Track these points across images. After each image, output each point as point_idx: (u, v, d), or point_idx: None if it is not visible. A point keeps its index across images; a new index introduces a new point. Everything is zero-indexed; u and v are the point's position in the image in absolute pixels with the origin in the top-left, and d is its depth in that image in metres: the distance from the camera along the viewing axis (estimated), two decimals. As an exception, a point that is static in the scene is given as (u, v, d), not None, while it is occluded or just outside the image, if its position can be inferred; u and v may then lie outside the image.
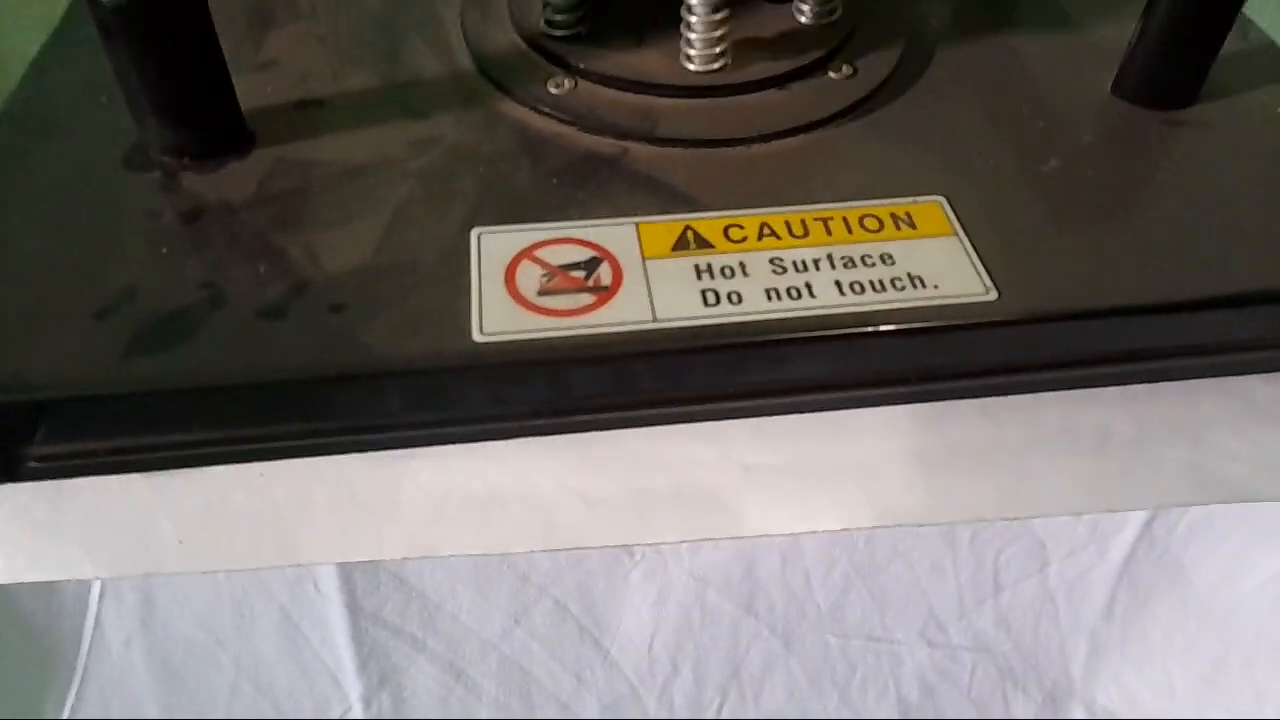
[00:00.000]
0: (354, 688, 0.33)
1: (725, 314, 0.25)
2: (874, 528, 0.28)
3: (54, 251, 0.25)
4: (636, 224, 0.27)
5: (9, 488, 0.26)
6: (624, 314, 0.25)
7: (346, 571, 0.31)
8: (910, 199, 0.28)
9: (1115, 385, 0.28)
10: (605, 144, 0.30)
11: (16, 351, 0.23)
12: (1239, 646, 0.36)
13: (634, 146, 0.30)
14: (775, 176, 0.29)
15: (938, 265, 0.26)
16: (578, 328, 0.25)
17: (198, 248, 0.26)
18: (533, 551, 0.29)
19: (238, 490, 0.27)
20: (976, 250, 0.27)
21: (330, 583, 0.31)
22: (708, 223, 0.27)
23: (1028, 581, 0.35)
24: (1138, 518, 0.34)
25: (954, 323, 0.25)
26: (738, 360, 0.26)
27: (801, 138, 0.30)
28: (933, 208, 0.28)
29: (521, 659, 0.34)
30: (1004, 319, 0.25)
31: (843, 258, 0.26)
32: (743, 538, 0.30)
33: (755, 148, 0.30)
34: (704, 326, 0.25)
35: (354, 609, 0.32)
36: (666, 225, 0.27)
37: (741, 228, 0.27)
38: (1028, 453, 0.28)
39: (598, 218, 0.27)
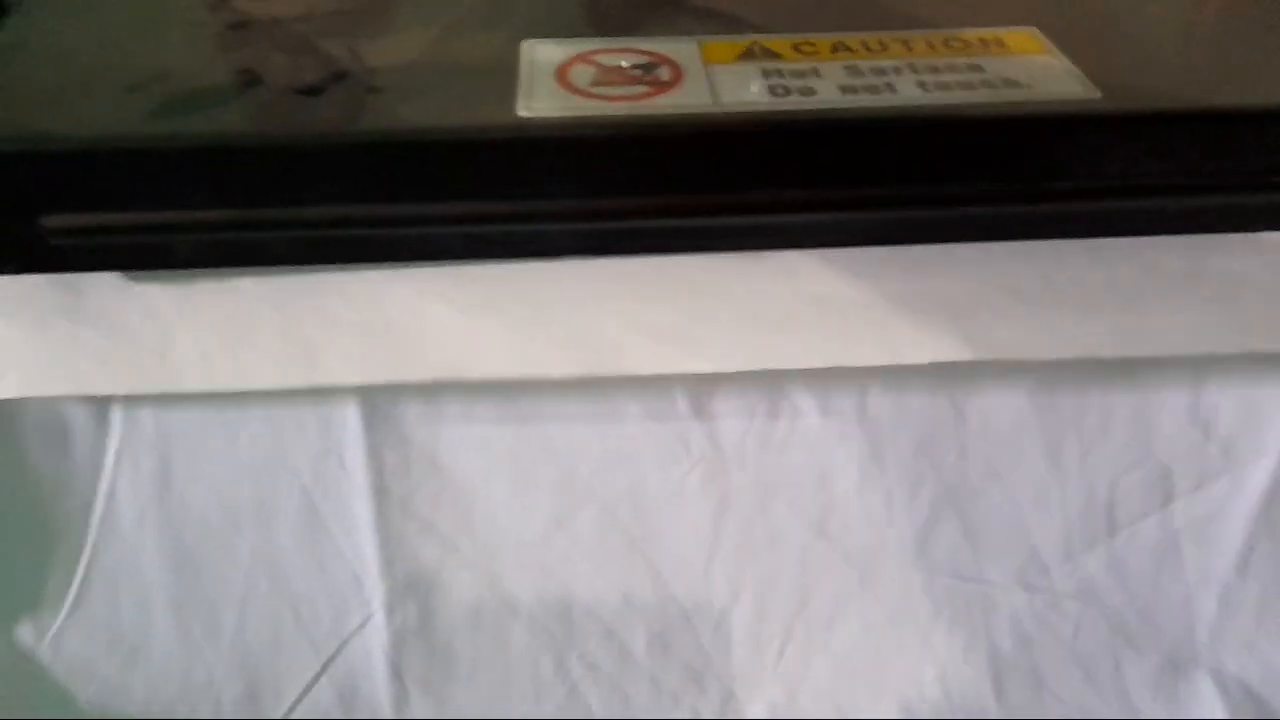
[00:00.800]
0: (377, 590, 0.30)
1: (796, 103, 0.23)
2: (969, 361, 0.24)
3: (94, 45, 0.25)
4: (699, 40, 0.25)
5: (25, 295, 0.25)
6: (683, 100, 0.23)
7: (374, 445, 0.28)
8: (1000, 28, 0.26)
9: (1237, 226, 0.24)
10: None
11: (43, 115, 0.23)
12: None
13: None
14: (850, 13, 0.27)
15: (1033, 72, 0.24)
16: (632, 110, 0.23)
17: (239, 47, 0.25)
18: (570, 378, 0.26)
19: (262, 306, 0.25)
20: (1075, 64, 0.24)
21: (356, 459, 0.28)
22: (776, 41, 0.25)
23: (1148, 520, 0.31)
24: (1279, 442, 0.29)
25: (1053, 112, 0.22)
26: (808, 153, 0.23)
27: None
28: (1025, 35, 0.26)
29: (563, 571, 0.30)
30: (1108, 113, 0.23)
31: (926, 66, 0.24)
32: (812, 370, 0.27)
33: None
34: (772, 112, 0.23)
35: (381, 492, 0.29)
36: (731, 42, 0.25)
37: (813, 44, 0.25)
38: (1143, 294, 0.24)
39: (658, 37, 0.26)
